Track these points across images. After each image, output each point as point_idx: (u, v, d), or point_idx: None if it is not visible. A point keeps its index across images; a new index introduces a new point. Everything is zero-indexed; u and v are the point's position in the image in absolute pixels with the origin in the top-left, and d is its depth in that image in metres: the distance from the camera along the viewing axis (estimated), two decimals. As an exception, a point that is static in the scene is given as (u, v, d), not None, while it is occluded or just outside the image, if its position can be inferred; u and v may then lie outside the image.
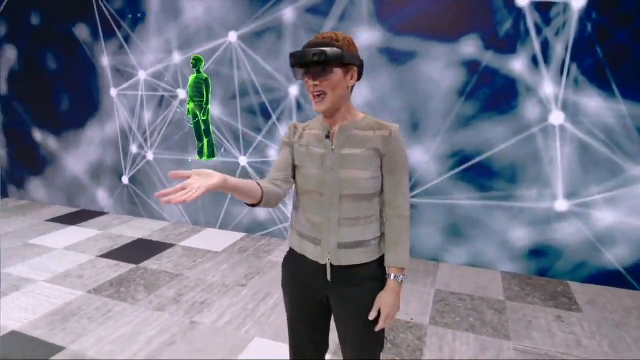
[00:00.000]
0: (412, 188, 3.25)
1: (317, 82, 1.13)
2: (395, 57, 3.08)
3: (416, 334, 2.35)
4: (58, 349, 2.24)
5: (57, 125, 4.76)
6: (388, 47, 3.08)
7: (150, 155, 4.26)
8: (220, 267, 3.26)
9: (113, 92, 4.28)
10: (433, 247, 3.29)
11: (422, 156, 3.17)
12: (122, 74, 4.18)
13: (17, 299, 2.79)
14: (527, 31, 2.74)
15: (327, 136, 1.22)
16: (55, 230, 4.14)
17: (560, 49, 2.70)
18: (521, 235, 3.03)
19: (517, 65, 2.80)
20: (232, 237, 3.89)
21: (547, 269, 3.01)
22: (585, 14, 2.61)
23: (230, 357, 2.15)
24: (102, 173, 4.63)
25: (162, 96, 4.04)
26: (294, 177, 1.29)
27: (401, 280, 1.23)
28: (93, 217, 4.53)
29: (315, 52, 1.08)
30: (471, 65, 2.90)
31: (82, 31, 4.28)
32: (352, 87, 1.21)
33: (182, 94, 3.91)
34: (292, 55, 1.13)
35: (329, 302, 1.29)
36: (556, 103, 2.77)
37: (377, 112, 3.20)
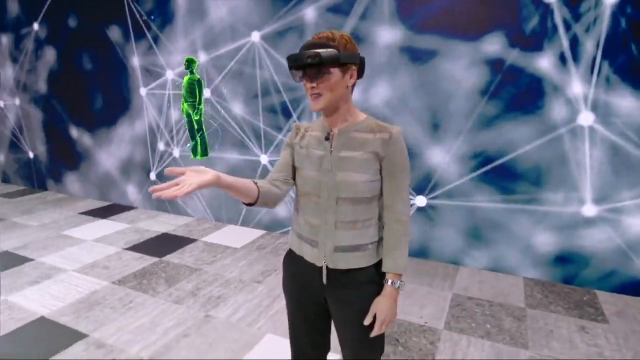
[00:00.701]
0: (432, 189, 3.19)
1: (314, 84, 1.12)
2: (417, 56, 3.03)
3: (429, 339, 2.30)
4: (81, 336, 2.35)
5: (91, 123, 5.00)
6: (409, 46, 3.03)
7: (176, 153, 4.39)
8: (238, 263, 3.32)
9: (143, 91, 4.45)
10: (453, 250, 3.22)
11: (442, 157, 3.10)
12: (151, 73, 4.33)
13: (48, 287, 2.95)
14: (555, 28, 2.63)
15: (327, 138, 1.21)
16: (88, 223, 4.34)
17: (590, 46, 2.57)
18: (546, 241, 2.90)
19: (544, 63, 2.69)
20: (252, 234, 3.95)
21: (573, 276, 2.88)
22: (619, 9, 2.47)
23: (242, 352, 2.19)
24: (131, 169, 4.82)
25: (188, 95, 4.15)
26: (294, 178, 1.29)
27: (398, 287, 1.20)
28: (123, 212, 4.73)
29: (310, 55, 1.07)
30: (495, 64, 2.81)
31: (115, 33, 4.47)
32: (353, 86, 1.20)
33: (207, 93, 4.01)
34: (289, 59, 1.12)
35: (328, 304, 1.29)
36: (586, 103, 2.64)
37: (397, 112, 3.16)
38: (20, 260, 3.42)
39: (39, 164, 5.79)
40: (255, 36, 3.64)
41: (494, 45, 2.79)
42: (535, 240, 2.93)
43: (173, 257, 3.44)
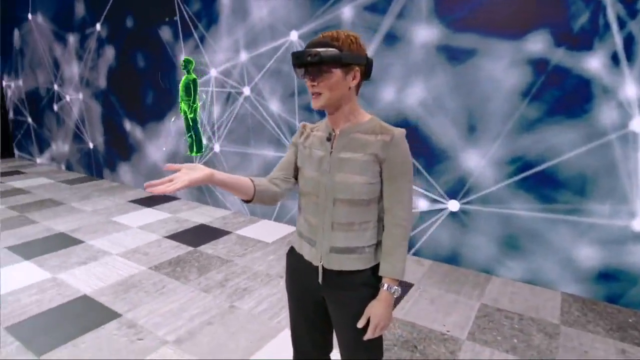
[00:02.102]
0: (466, 194, 3.07)
1: (314, 83, 1.13)
2: (454, 55, 2.92)
3: (449, 348, 2.23)
4: (116, 315, 2.53)
5: (142, 117, 5.32)
6: (447, 45, 2.94)
7: (217, 148, 4.57)
8: (267, 257, 3.40)
9: (189, 88, 4.66)
10: (486, 258, 3.08)
11: (478, 161, 2.97)
12: (197, 71, 4.53)
13: (93, 268, 3.20)
14: (607, 25, 2.42)
15: (329, 138, 1.21)
16: (135, 211, 4.64)
17: (648, 45, 2.35)
18: (589, 255, 2.70)
19: (594, 64, 2.49)
20: (284, 229, 4.02)
21: (619, 296, 2.65)
22: (684, 4, 2.23)
23: (259, 344, 2.25)
24: (176, 162, 5.08)
25: (230, 93, 4.30)
26: (296, 177, 1.31)
27: (394, 292, 1.17)
28: (167, 202, 5.00)
29: (310, 54, 1.08)
30: (538, 64, 2.65)
31: (166, 32, 4.72)
32: (358, 87, 1.20)
33: (247, 91, 4.14)
34: (292, 56, 1.14)
35: (326, 304, 1.30)
36: (640, 107, 2.42)
37: (432, 113, 3.08)
38: (73, 241, 3.74)
39: (97, 154, 6.26)
40: (294, 35, 3.69)
41: (538, 44, 2.63)
42: (577, 254, 2.74)
43: (207, 248, 3.59)
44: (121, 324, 2.44)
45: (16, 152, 8.34)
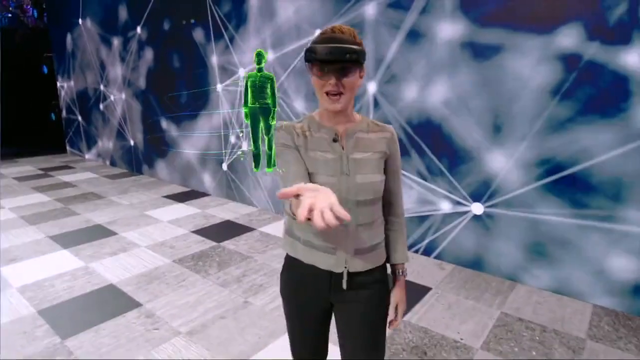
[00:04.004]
0: (490, 197, 2.94)
1: (338, 82, 1.06)
2: (480, 52, 2.80)
3: (461, 356, 2.15)
4: (137, 304, 2.66)
5: (178, 116, 5.54)
6: (472, 41, 2.82)
7: (245, 146, 4.67)
8: (287, 255, 3.43)
9: (219, 87, 4.80)
10: (511, 264, 2.93)
11: (504, 162, 2.83)
12: (227, 71, 4.65)
13: (122, 259, 3.37)
14: (647, 17, 2.23)
15: (335, 140, 1.17)
16: (167, 206, 4.84)
17: (695, 37, 2.13)
18: (624, 266, 2.50)
19: (632, 59, 2.30)
20: (307, 228, 4.04)
21: (658, 311, 2.43)
22: None
23: (267, 341, 2.27)
24: (207, 159, 5.24)
25: (257, 92, 4.37)
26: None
27: (405, 274, 1.32)
28: (198, 198, 5.17)
29: (349, 51, 1.02)
30: (570, 60, 2.48)
31: (199, 34, 4.88)
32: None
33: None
34: (318, 52, 1.02)
35: (332, 310, 1.28)
36: (685, 106, 2.20)
37: (456, 112, 2.97)
38: (107, 233, 3.96)
39: (137, 150, 6.59)
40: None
41: (569, 38, 2.46)
42: (611, 264, 2.54)
43: (229, 244, 3.68)
44: (140, 314, 2.55)
45: (68, 148, 8.95)
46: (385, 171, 1.22)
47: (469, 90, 2.90)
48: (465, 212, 3.08)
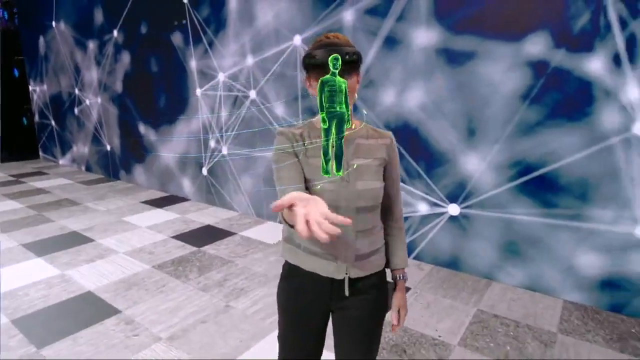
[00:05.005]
0: (465, 198, 3.03)
1: None
2: (454, 58, 2.90)
3: (439, 353, 2.21)
4: (115, 311, 2.62)
5: (156, 120, 5.48)
6: (446, 48, 2.92)
7: (225, 150, 4.66)
8: (268, 258, 3.44)
9: (198, 92, 4.78)
10: (486, 263, 3.03)
11: (478, 165, 2.93)
12: (206, 75, 4.64)
13: (99, 265, 3.31)
14: (608, 26, 2.36)
15: None
16: (145, 212, 4.77)
17: (651, 46, 2.27)
18: (591, 262, 2.62)
19: (595, 65, 2.43)
20: (288, 232, 4.05)
21: (623, 305, 2.56)
22: (688, 4, 2.16)
23: (249, 344, 2.28)
24: (187, 164, 5.20)
25: (237, 96, 4.38)
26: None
27: (406, 279, 1.33)
28: (177, 203, 5.12)
29: (349, 52, 1.03)
30: (538, 67, 2.60)
31: (177, 38, 4.85)
32: None
33: (253, 94, 4.20)
34: (315, 56, 1.05)
35: (330, 315, 1.29)
36: (643, 110, 2.34)
37: (432, 116, 3.06)
38: (84, 240, 3.88)
39: (114, 155, 6.47)
40: (297, 40, 3.73)
41: (537, 45, 2.58)
42: (579, 260, 2.66)
43: (210, 248, 3.66)
44: (119, 320, 2.52)
45: (41, 153, 8.70)
46: (384, 177, 1.22)
47: (444, 95, 2.99)
48: (442, 213, 3.17)
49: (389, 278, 1.31)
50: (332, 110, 1.01)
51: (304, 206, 0.79)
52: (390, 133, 1.25)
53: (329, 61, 0.99)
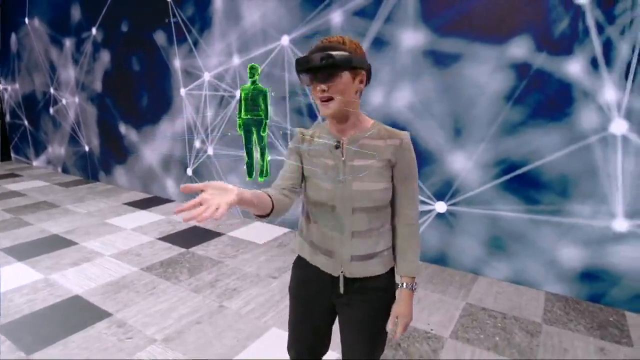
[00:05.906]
0: (452, 195, 3.13)
1: (325, 87, 1.09)
2: (440, 60, 2.98)
3: (432, 346, 2.28)
4: (106, 314, 2.57)
5: (138, 120, 5.37)
6: (433, 50, 3.00)
7: (210, 150, 4.62)
8: (258, 258, 3.44)
9: (182, 91, 4.72)
10: (472, 259, 3.13)
11: (464, 163, 3.03)
12: (191, 75, 4.59)
13: (86, 269, 3.24)
14: (586, 31, 2.49)
15: (337, 147, 1.18)
16: (129, 213, 4.68)
17: (625, 49, 2.41)
18: (572, 255, 2.75)
19: (574, 68, 2.56)
20: (276, 231, 4.07)
21: (601, 295, 2.70)
22: (659, 11, 2.30)
23: (245, 343, 2.29)
24: (171, 164, 5.13)
25: (223, 96, 4.36)
26: (300, 186, 1.26)
27: (415, 289, 1.25)
28: (161, 204, 5.04)
29: (323, 56, 1.05)
30: (521, 69, 2.71)
31: (160, 37, 4.78)
32: (361, 92, 1.19)
33: (239, 94, 4.19)
34: (299, 62, 1.10)
35: (336, 310, 1.31)
36: (619, 110, 2.48)
37: (419, 116, 3.14)
38: (66, 243, 3.78)
39: (92, 156, 6.31)
40: (285, 40, 3.75)
41: (520, 48, 2.69)
42: (560, 254, 2.79)
43: (199, 249, 3.63)
44: (111, 324, 2.48)
45: (13, 155, 8.38)
46: (393, 179, 1.20)
47: (431, 96, 3.07)
48: (430, 211, 3.25)
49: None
50: (246, 116, 1.07)
51: (211, 194, 0.88)
52: (404, 133, 1.20)
53: (247, 70, 1.04)
